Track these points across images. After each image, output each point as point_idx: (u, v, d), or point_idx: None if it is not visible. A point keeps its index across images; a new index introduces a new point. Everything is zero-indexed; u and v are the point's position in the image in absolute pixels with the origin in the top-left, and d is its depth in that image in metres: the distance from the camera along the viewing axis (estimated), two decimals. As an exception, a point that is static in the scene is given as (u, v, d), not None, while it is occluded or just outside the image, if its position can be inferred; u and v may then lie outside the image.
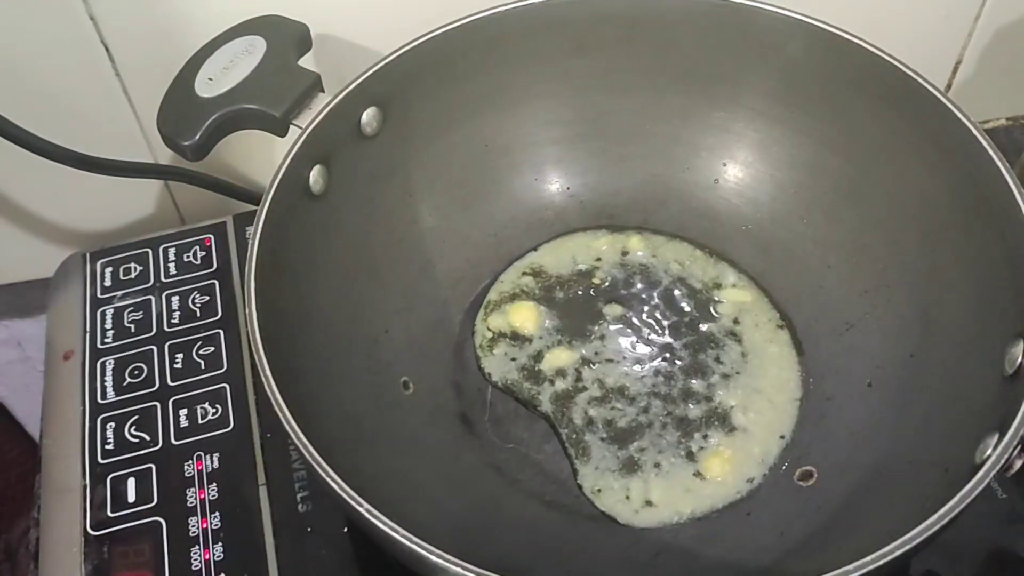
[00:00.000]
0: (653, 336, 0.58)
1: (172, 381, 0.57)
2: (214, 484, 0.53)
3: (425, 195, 0.60)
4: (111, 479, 0.54)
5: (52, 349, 0.61)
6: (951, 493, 0.39)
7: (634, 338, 0.58)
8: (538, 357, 0.57)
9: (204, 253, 0.64)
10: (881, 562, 0.37)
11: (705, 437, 0.54)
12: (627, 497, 0.52)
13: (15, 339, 0.80)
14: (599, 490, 0.52)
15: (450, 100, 0.58)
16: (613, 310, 0.59)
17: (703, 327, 0.58)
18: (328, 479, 0.40)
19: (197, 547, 0.51)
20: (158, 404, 0.56)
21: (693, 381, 0.56)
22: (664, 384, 0.56)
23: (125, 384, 0.58)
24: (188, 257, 0.64)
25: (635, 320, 0.58)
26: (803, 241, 0.60)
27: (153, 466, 0.54)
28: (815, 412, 0.54)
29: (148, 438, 0.55)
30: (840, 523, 0.49)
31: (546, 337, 0.58)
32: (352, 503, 0.39)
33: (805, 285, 0.59)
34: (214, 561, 0.51)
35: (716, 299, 0.59)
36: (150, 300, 0.62)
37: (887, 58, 0.52)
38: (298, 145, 0.50)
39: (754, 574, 0.48)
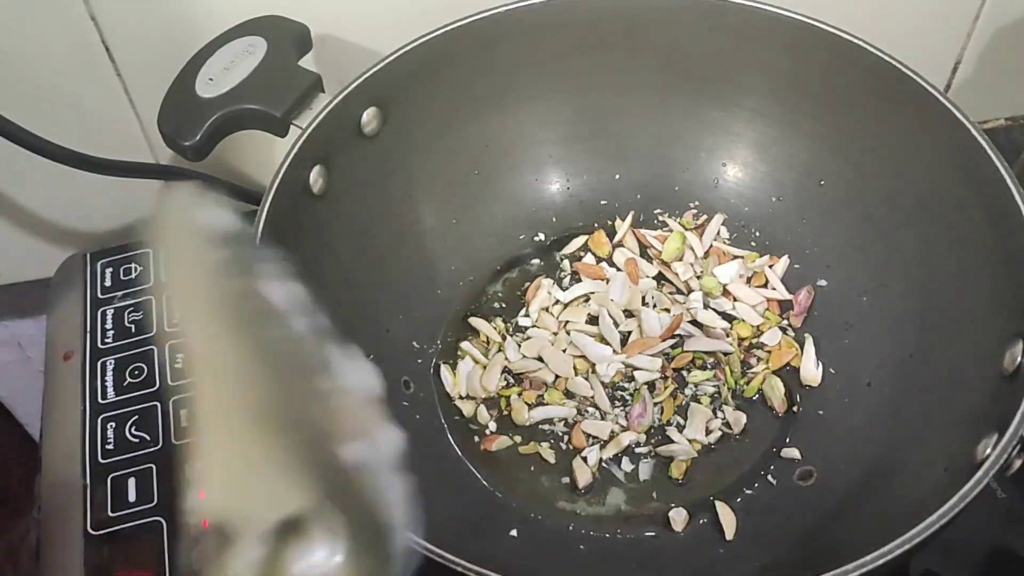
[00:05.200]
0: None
1: (172, 381, 0.57)
2: (214, 484, 0.53)
3: (425, 195, 0.60)
4: (111, 479, 0.54)
5: (52, 349, 0.61)
6: (950, 493, 0.39)
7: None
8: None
9: (204, 253, 0.64)
10: (881, 561, 0.37)
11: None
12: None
13: (15, 339, 0.80)
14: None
15: (450, 100, 0.58)
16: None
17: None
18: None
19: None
20: (158, 404, 0.56)
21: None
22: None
23: (125, 384, 0.58)
24: (188, 257, 0.64)
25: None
26: (803, 241, 0.60)
27: (153, 466, 0.54)
28: (815, 412, 0.54)
29: (148, 438, 0.55)
30: (840, 523, 0.49)
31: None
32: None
33: (805, 285, 0.59)
34: (214, 561, 0.51)
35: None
36: (150, 300, 0.62)
37: (887, 58, 0.53)
38: (298, 145, 0.50)
39: (754, 574, 0.48)
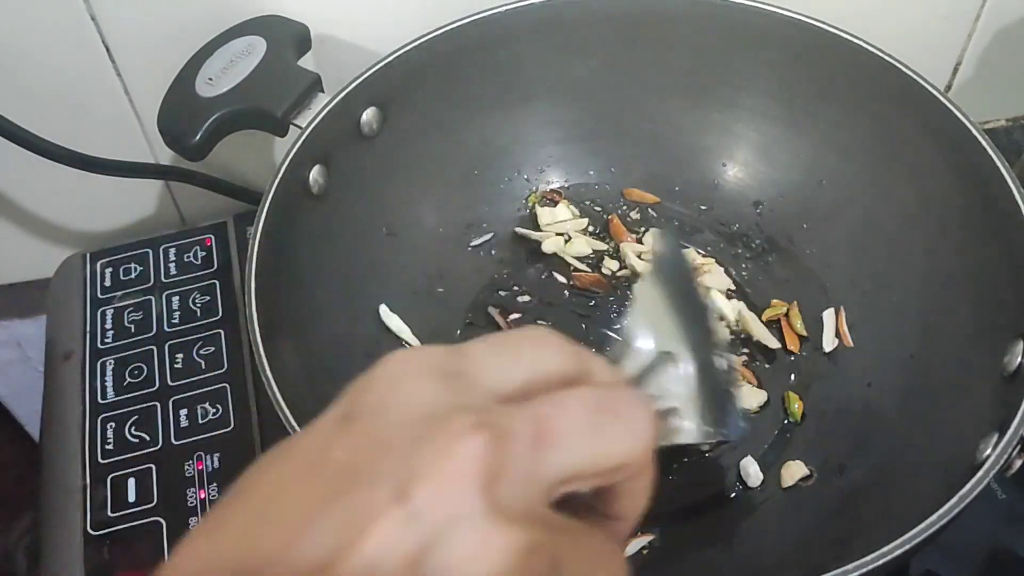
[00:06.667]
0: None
1: (172, 381, 0.57)
2: (214, 484, 0.53)
3: (425, 195, 0.60)
4: (111, 479, 0.54)
5: (52, 349, 0.61)
6: (951, 493, 0.39)
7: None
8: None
9: (204, 253, 0.64)
10: (881, 561, 0.37)
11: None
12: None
13: (15, 339, 0.80)
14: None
15: (450, 100, 0.58)
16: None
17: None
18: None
19: (197, 547, 0.51)
20: (158, 404, 0.56)
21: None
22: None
23: (125, 384, 0.58)
24: (188, 257, 0.64)
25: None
26: (803, 241, 0.60)
27: (153, 466, 0.54)
28: (815, 412, 0.54)
29: (148, 438, 0.55)
30: (839, 523, 0.49)
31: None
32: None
33: (806, 286, 0.59)
34: (214, 561, 0.51)
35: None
36: (150, 300, 0.62)
37: (887, 58, 0.53)
38: (298, 145, 0.50)
39: (754, 574, 0.48)
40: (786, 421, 0.54)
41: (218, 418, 0.56)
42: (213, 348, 0.59)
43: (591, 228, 0.62)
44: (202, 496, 0.53)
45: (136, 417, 0.56)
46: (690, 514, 0.51)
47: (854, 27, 0.54)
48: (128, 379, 0.58)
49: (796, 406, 0.54)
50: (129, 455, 0.55)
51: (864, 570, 0.37)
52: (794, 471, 0.52)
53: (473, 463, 0.22)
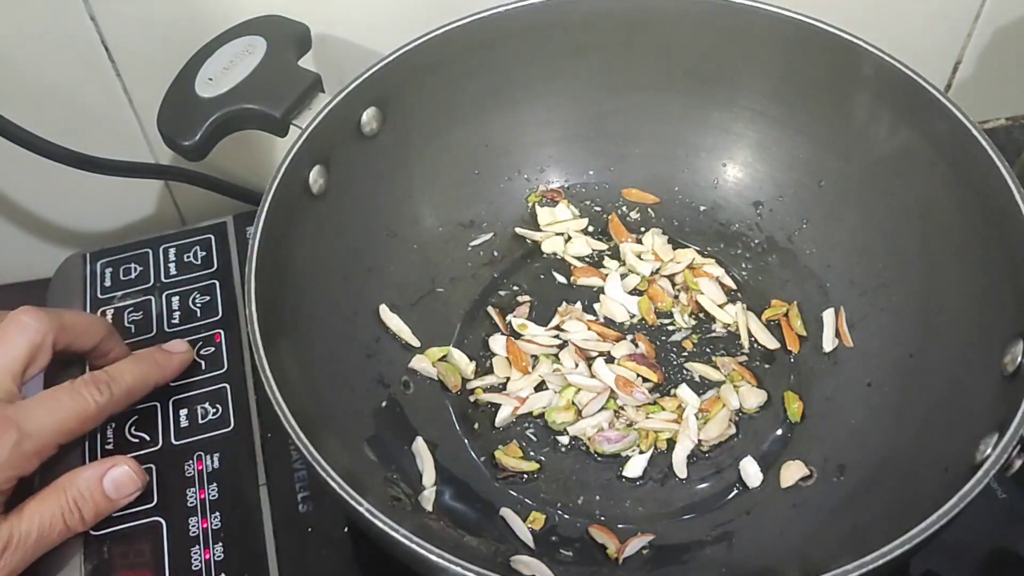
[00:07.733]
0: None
1: (172, 381, 0.57)
2: (214, 484, 0.53)
3: (425, 195, 0.60)
4: (111, 479, 0.54)
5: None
6: (951, 493, 0.39)
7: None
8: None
9: (204, 253, 0.64)
10: (881, 561, 0.37)
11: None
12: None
13: (15, 339, 0.80)
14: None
15: (450, 100, 0.58)
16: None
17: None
18: (328, 479, 0.40)
19: (197, 547, 0.51)
20: (158, 404, 0.56)
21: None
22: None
23: (125, 384, 0.58)
24: (188, 257, 0.64)
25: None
26: (803, 241, 0.60)
27: (153, 466, 0.54)
28: (815, 412, 0.54)
29: (148, 438, 0.55)
30: (839, 523, 0.49)
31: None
32: (352, 503, 0.39)
33: (805, 286, 0.59)
34: (214, 561, 0.51)
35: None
36: (150, 300, 0.62)
37: (887, 58, 0.53)
38: (298, 145, 0.50)
39: (754, 574, 0.48)
40: (786, 421, 0.54)
41: (218, 418, 0.56)
42: (213, 348, 0.59)
43: (591, 228, 0.63)
44: (202, 496, 0.53)
45: (136, 417, 0.56)
46: (690, 514, 0.51)
47: (854, 27, 0.54)
48: (128, 379, 0.58)
49: (796, 406, 0.54)
50: (129, 455, 0.55)
51: (864, 570, 0.37)
52: (794, 471, 0.52)
53: None
